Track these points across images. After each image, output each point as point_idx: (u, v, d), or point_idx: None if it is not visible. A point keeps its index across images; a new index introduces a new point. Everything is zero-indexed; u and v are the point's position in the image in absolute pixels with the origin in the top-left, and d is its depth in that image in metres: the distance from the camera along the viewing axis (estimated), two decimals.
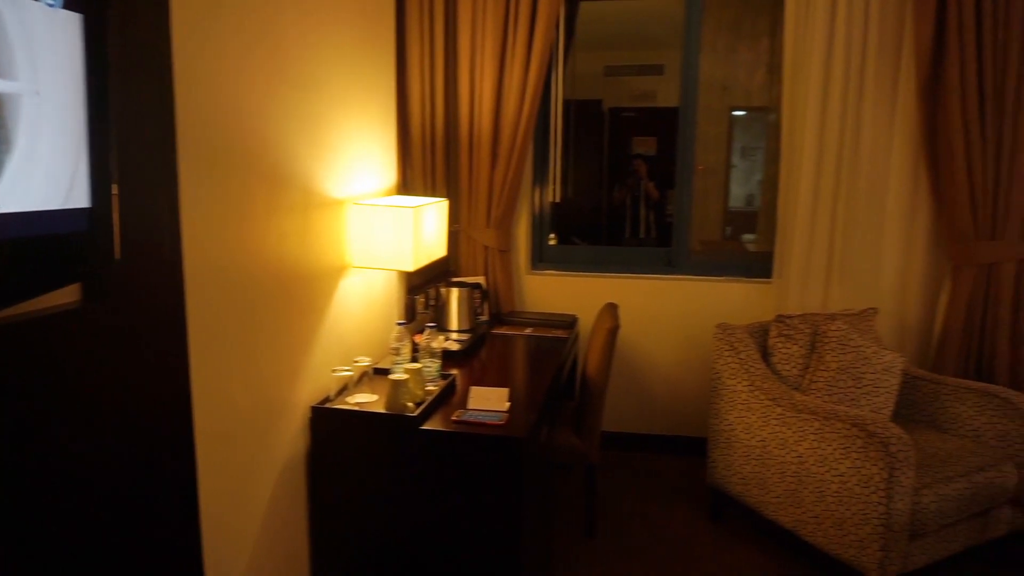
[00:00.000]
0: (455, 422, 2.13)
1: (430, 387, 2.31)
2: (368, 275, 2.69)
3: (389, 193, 2.99)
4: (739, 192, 6.79)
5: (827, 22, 3.07)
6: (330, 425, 2.16)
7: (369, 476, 2.15)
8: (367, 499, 2.16)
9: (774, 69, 3.38)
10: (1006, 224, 2.98)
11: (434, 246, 2.72)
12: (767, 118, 5.17)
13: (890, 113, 3.15)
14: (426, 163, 3.30)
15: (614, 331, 2.68)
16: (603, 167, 6.88)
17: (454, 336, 2.95)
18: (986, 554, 2.64)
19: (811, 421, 2.46)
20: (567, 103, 5.42)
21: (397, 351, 2.38)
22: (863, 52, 3.08)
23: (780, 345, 2.78)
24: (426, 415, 2.15)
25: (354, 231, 2.47)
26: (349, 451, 2.16)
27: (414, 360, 2.40)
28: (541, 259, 3.70)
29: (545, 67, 3.22)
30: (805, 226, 3.20)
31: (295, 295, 2.12)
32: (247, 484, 1.90)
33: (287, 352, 2.08)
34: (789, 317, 2.81)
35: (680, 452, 3.61)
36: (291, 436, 2.12)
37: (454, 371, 2.55)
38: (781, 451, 2.57)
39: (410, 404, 2.14)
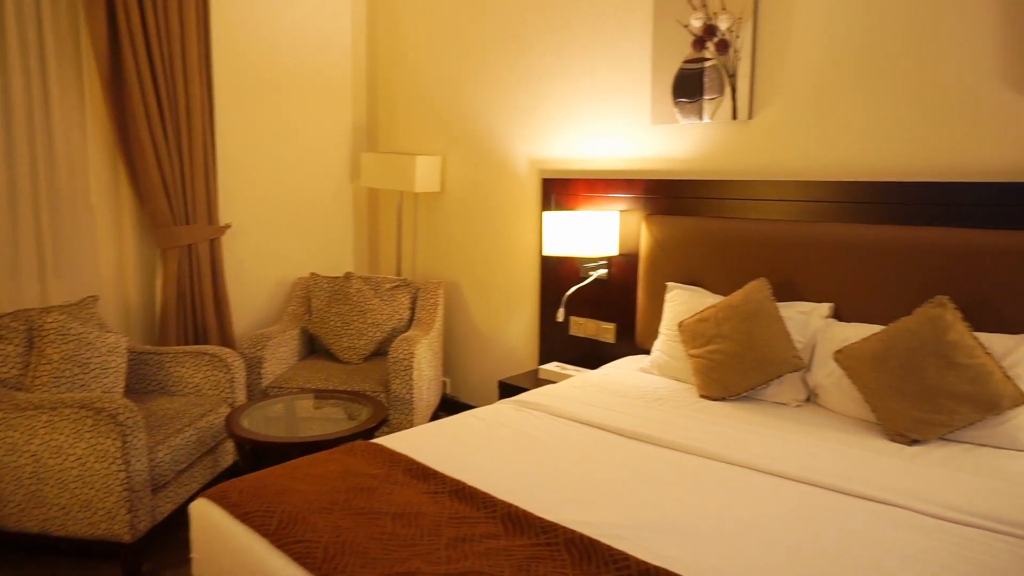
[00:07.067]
0: None
1: None
2: None
3: None
4: None
5: None
6: None
7: None
8: None
9: None
10: (196, 210, 3.53)
11: None
12: None
13: (80, 111, 3.26)
14: None
15: None
16: None
17: None
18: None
19: (38, 416, 2.44)
20: None
21: None
22: (41, 49, 3.08)
23: None
24: None
25: None
26: None
27: None
28: None
29: None
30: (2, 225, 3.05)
31: None
32: None
33: None
34: (0, 317, 2.67)
35: None
36: None
37: None
38: (12, 456, 2.47)
39: None
